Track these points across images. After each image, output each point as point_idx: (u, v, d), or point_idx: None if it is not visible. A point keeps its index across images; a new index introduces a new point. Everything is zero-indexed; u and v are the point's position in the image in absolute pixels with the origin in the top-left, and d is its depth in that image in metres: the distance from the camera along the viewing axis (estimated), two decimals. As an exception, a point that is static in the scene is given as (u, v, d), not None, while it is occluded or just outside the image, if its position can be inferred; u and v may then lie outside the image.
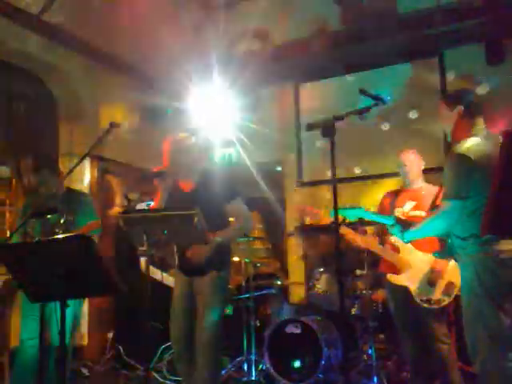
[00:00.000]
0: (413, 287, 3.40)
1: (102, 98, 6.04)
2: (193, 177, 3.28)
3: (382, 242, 3.62)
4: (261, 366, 4.63)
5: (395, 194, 3.77)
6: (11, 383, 3.87)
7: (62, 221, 3.55)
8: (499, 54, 5.28)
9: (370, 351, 4.20)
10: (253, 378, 4.55)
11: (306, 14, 6.11)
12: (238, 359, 4.80)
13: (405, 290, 3.44)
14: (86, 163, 5.78)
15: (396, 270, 3.52)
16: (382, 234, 3.64)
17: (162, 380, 4.78)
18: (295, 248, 6.08)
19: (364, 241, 3.66)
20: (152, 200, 5.59)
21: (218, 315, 3.14)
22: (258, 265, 5.43)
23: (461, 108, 2.68)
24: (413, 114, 5.64)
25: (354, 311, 4.49)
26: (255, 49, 6.45)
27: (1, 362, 4.49)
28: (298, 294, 5.77)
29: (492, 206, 1.61)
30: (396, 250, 3.50)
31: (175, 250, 3.00)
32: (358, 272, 4.49)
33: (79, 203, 3.76)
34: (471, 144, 2.58)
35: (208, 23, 6.62)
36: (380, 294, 4.49)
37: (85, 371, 5.10)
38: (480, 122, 2.69)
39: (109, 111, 5.99)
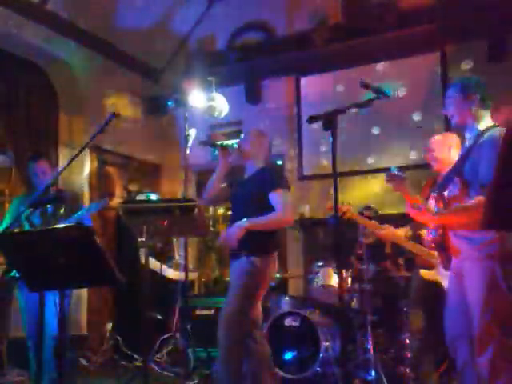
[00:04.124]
0: (445, 282, 3.31)
1: (102, 88, 6.03)
2: (254, 163, 3.36)
3: (415, 237, 3.56)
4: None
5: (434, 181, 3.57)
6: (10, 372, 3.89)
7: (61, 211, 3.56)
8: (501, 51, 5.26)
9: (367, 345, 4.21)
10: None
11: (307, 6, 6.10)
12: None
13: (437, 285, 3.34)
14: (86, 154, 5.77)
15: (429, 265, 3.42)
16: (416, 228, 3.57)
17: (160, 371, 4.79)
18: (294, 241, 6.08)
19: (393, 235, 3.62)
20: (152, 192, 5.62)
21: (239, 301, 3.08)
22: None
23: (477, 97, 2.65)
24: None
25: (352, 305, 4.49)
26: (257, 41, 6.43)
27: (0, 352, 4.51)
28: (296, 287, 5.78)
29: (491, 202, 1.61)
30: (425, 243, 3.42)
31: None
32: (358, 265, 4.49)
33: (69, 200, 3.85)
34: None
35: (210, 15, 6.60)
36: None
37: (84, 361, 5.12)
38: (488, 116, 2.68)
39: (109, 102, 5.97)
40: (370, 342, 4.15)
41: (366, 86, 2.51)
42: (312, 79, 6.20)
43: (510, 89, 5.07)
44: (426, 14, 5.47)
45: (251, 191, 3.23)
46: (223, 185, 3.44)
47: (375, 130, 5.77)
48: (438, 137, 3.55)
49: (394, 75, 5.66)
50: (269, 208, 3.14)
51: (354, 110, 2.46)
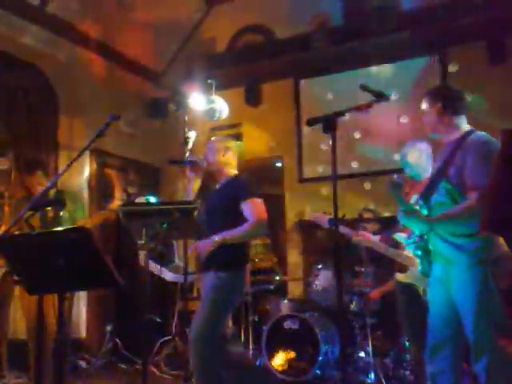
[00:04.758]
0: (419, 284, 3.36)
1: (102, 90, 6.03)
2: (223, 174, 3.32)
3: (388, 241, 3.60)
4: (259, 361, 4.63)
5: (410, 187, 3.63)
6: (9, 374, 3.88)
7: (61, 213, 3.57)
8: (501, 53, 5.26)
9: (367, 348, 4.21)
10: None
11: (307, 9, 6.10)
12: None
13: (412, 287, 3.40)
14: (86, 156, 5.77)
15: (404, 268, 3.48)
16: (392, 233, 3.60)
17: (159, 374, 4.79)
18: (294, 244, 6.07)
19: (368, 240, 3.67)
20: (152, 194, 5.61)
21: (208, 319, 3.02)
22: (256, 260, 5.43)
23: (439, 105, 2.68)
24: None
25: (352, 307, 4.49)
26: (256, 43, 6.44)
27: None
28: (296, 289, 5.78)
29: (491, 204, 1.61)
30: (401, 247, 3.47)
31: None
32: (357, 268, 4.49)
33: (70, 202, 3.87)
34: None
35: (210, 17, 6.61)
36: (376, 293, 4.49)
37: (83, 364, 5.11)
38: (462, 122, 2.69)
39: (109, 104, 5.97)
40: (370, 344, 4.15)
41: (365, 88, 2.50)
42: (311, 81, 6.20)
43: (509, 90, 5.10)
44: (425, 16, 5.48)
45: (222, 201, 3.17)
46: (198, 200, 3.38)
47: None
48: (409, 143, 3.60)
49: (394, 77, 5.67)
50: (241, 218, 3.08)
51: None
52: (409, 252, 3.28)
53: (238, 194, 3.14)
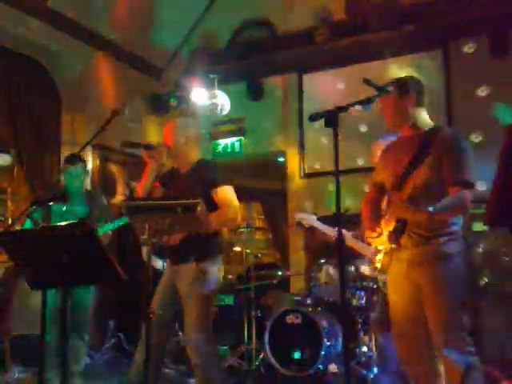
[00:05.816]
0: (380, 278, 3.36)
1: (104, 86, 6.03)
2: (186, 159, 3.22)
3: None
4: (261, 356, 4.65)
5: None
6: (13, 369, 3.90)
7: (64, 209, 3.57)
8: (503, 46, 5.24)
9: (370, 343, 4.21)
10: (253, 368, 4.56)
11: (310, 3, 6.08)
12: (239, 349, 4.82)
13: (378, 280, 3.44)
14: (88, 152, 5.77)
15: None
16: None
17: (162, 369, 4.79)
18: (297, 239, 6.07)
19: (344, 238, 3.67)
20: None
21: (202, 316, 2.99)
22: (259, 255, 5.43)
23: (412, 97, 2.62)
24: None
25: (354, 302, 4.49)
26: (259, 38, 6.42)
27: (3, 349, 4.52)
28: (298, 284, 5.78)
29: (496, 198, 1.62)
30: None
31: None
32: (359, 263, 4.48)
33: (102, 202, 3.97)
34: None
35: (211, 12, 6.59)
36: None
37: (86, 359, 5.12)
38: (426, 115, 2.68)
39: (111, 99, 5.97)
40: (372, 339, 4.15)
41: (368, 83, 2.50)
42: (314, 76, 6.19)
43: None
44: (427, 10, 5.45)
45: (194, 187, 3.04)
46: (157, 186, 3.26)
47: (363, 128, 5.76)
48: (379, 141, 3.48)
49: (396, 72, 5.64)
50: (214, 203, 3.00)
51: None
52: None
53: (210, 179, 3.05)
